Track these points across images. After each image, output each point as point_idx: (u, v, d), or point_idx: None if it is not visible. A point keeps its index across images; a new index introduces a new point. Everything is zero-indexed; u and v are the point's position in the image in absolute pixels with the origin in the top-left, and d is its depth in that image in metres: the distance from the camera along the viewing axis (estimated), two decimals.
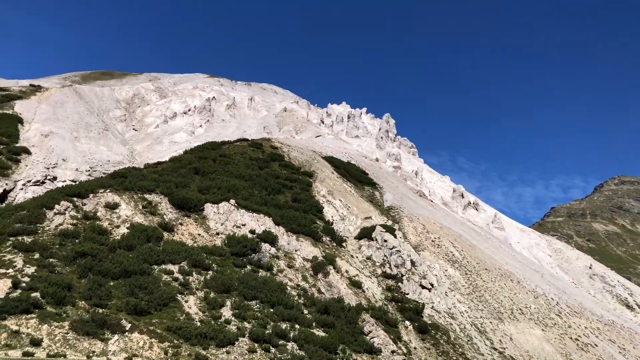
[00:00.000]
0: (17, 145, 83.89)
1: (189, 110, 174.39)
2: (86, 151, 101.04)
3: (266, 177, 75.33)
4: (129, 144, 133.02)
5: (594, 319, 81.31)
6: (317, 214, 70.77)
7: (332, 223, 71.13)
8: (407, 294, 61.72)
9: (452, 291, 67.46)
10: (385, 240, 68.03)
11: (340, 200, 79.04)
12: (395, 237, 70.11)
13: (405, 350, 49.89)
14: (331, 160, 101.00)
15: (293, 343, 42.42)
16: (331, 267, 57.24)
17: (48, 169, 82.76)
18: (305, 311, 49.20)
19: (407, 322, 55.48)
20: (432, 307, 61.59)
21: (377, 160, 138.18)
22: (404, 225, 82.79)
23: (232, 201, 60.69)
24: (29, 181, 75.26)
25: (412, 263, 66.90)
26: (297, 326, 45.45)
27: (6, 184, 69.06)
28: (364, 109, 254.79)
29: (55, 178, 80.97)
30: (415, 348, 51.42)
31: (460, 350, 54.15)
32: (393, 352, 48.90)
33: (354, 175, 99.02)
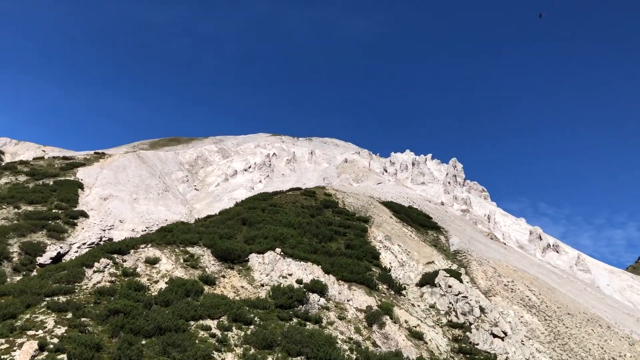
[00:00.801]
0: (75, 209, 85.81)
1: (249, 167, 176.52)
2: (144, 212, 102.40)
3: (317, 224, 72.09)
4: (189, 204, 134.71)
5: None
6: (373, 261, 66.32)
7: (389, 270, 66.30)
8: (477, 344, 55.18)
9: (529, 339, 59.98)
10: (450, 286, 62.18)
11: (399, 245, 74.18)
12: (461, 282, 64.08)
13: None
14: (390, 205, 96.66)
15: None
16: (387, 317, 52.22)
17: (104, 230, 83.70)
18: None
19: None
20: (507, 358, 54.52)
21: (442, 204, 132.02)
22: (472, 269, 76.30)
23: (278, 250, 57.65)
24: (84, 243, 75.95)
25: (482, 310, 60.41)
26: None
27: (61, 247, 69.71)
28: (429, 155, 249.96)
29: (111, 239, 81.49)
30: None
31: None
32: None
33: (415, 219, 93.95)
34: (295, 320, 48.78)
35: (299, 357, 42.94)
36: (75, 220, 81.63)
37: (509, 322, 61.41)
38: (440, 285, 62.84)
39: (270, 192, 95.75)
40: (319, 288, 53.70)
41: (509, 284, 74.31)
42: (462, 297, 60.97)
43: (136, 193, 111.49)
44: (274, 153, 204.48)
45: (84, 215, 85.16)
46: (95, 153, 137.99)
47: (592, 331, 67.88)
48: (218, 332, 43.10)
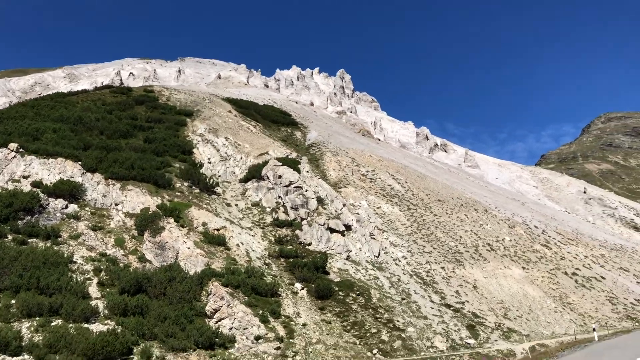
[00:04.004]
0: None
1: (95, 88, 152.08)
2: None
3: (112, 120, 54.56)
4: None
5: (595, 244, 62.23)
6: (179, 155, 50.83)
7: (202, 165, 50.80)
8: (309, 244, 41.75)
9: (383, 232, 47.62)
10: (280, 176, 47.89)
11: (226, 138, 58.58)
12: (297, 171, 49.98)
13: (282, 333, 29.96)
14: (235, 102, 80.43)
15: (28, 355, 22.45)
16: (171, 222, 37.04)
17: None
18: (96, 294, 29.06)
19: (298, 285, 35.60)
20: (347, 258, 41.67)
21: (311, 104, 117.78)
22: (324, 161, 62.79)
23: (13, 145, 39.92)
24: None
25: (320, 201, 46.92)
26: (58, 322, 25.39)
27: None
28: (316, 69, 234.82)
29: None
30: (304, 325, 31.54)
31: (386, 316, 34.38)
32: (258, 338, 29.03)
33: (267, 116, 78.78)
34: (10, 237, 32.28)
35: None
36: None
37: (357, 213, 48.59)
38: (268, 177, 48.39)
39: (72, 92, 76.37)
40: (66, 191, 37.17)
41: (369, 173, 61.67)
42: (295, 188, 47.00)
43: None
44: (131, 73, 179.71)
45: None
46: None
47: (466, 217, 57.17)
48: None
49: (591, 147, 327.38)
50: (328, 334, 31.31)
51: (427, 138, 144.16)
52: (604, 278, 51.71)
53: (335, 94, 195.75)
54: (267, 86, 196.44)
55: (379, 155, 71.26)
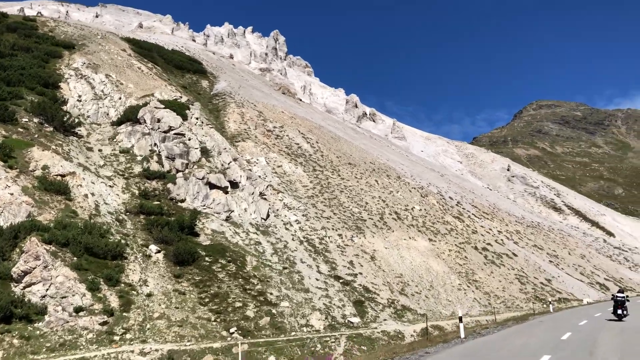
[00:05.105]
0: None
1: None
2: None
3: None
4: None
5: (512, 220, 59.37)
6: (43, 89, 42.47)
7: (65, 102, 42.90)
8: (182, 200, 35.33)
9: (279, 193, 41.84)
10: (159, 120, 40.85)
11: (107, 75, 50.58)
12: (183, 117, 43.11)
13: (115, 304, 23.71)
14: (135, 42, 71.60)
15: None
16: None
17: None
18: None
19: (153, 247, 29.26)
20: (227, 219, 35.64)
21: (231, 57, 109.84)
22: (227, 112, 56.08)
23: None
24: None
25: (205, 153, 40.42)
26: None
27: None
28: (250, 28, 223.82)
29: None
30: (149, 295, 25.38)
31: (259, 287, 28.73)
32: (79, 310, 22.83)
33: (171, 60, 70.73)
34: None
35: None
36: None
37: (249, 170, 42.43)
38: (145, 121, 41.26)
39: None
40: None
41: (276, 129, 55.57)
42: (176, 134, 40.21)
43: None
44: (39, 13, 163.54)
45: None
46: None
47: (377, 182, 52.37)
48: None
49: (521, 133, 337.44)
50: (177, 308, 25.30)
51: (356, 106, 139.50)
52: (516, 255, 48.50)
53: (266, 54, 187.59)
54: (194, 41, 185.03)
55: (292, 112, 65.23)
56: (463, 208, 55.29)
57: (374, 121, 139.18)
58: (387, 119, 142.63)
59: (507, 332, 23.24)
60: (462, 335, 21.21)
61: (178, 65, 70.39)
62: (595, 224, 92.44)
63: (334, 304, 29.85)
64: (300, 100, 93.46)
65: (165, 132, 40.26)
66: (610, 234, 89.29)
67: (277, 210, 39.83)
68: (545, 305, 39.37)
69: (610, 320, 26.45)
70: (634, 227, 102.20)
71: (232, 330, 24.91)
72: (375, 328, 28.32)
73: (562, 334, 19.80)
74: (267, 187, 40.94)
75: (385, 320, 30.02)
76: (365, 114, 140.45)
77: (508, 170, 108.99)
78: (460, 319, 21.84)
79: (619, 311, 26.09)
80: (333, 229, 40.07)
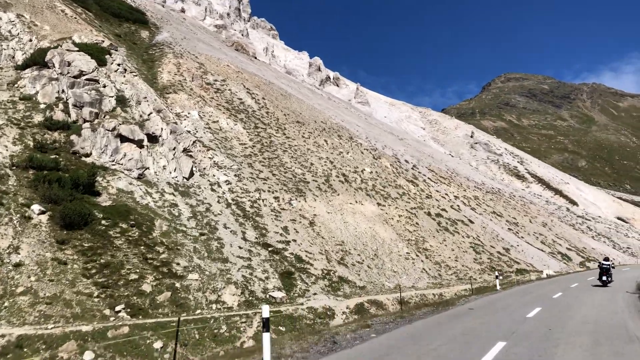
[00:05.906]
0: None
1: None
2: None
3: None
4: None
5: (470, 185, 55.81)
6: None
7: None
8: (87, 154, 30.23)
9: (209, 150, 36.98)
10: (69, 64, 35.21)
11: (19, 15, 44.36)
12: (102, 62, 37.50)
13: None
14: None
15: None
16: None
17: None
18: None
19: (36, 208, 24.53)
20: (140, 177, 30.73)
21: (182, 10, 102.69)
22: (162, 62, 50.41)
23: None
24: None
25: (122, 102, 35.12)
26: None
27: None
28: None
29: None
30: (18, 265, 20.91)
31: (164, 256, 24.14)
32: None
33: (109, 7, 63.92)
34: None
35: None
36: None
37: (175, 123, 37.36)
38: (54, 65, 35.56)
39: None
40: None
41: (217, 82, 50.29)
42: (88, 80, 34.78)
43: None
44: None
45: None
46: None
47: (326, 142, 47.87)
48: None
49: (489, 105, 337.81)
50: (51, 281, 20.56)
51: (319, 69, 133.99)
52: (472, 222, 44.93)
53: (228, 14, 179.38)
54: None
55: (240, 67, 59.78)
56: (419, 172, 51.41)
57: (337, 85, 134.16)
58: (352, 83, 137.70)
59: (452, 312, 17.17)
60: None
61: (116, 14, 63.85)
62: (558, 192, 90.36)
63: (256, 276, 25.52)
64: (255, 58, 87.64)
65: (75, 77, 34.77)
66: (573, 202, 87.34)
67: (204, 169, 35.03)
68: (501, 277, 35.70)
69: (596, 285, 27.82)
70: (597, 197, 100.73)
71: (118, 308, 20.34)
72: (302, 304, 24.13)
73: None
74: (193, 142, 35.98)
75: (315, 294, 25.87)
76: (329, 77, 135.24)
77: (471, 137, 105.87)
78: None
79: (604, 277, 27.57)
80: (269, 191, 35.55)
